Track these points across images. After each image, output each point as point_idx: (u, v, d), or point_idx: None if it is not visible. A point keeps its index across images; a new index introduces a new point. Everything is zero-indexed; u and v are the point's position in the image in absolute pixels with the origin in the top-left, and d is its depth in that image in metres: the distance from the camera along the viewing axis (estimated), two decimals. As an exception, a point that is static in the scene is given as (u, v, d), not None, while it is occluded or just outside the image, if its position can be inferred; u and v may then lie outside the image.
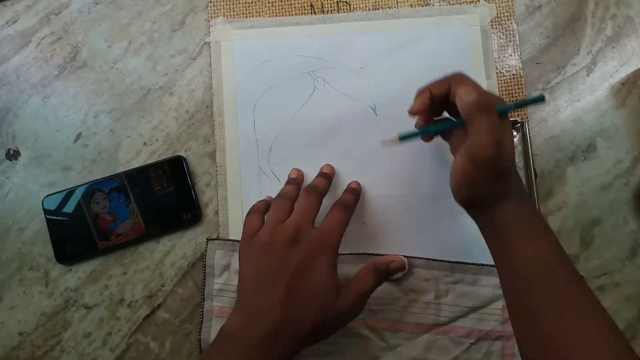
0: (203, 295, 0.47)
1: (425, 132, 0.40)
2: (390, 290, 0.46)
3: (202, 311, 0.47)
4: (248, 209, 0.47)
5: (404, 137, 0.40)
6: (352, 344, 0.46)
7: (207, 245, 0.47)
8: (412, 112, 0.39)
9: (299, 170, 0.47)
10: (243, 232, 0.41)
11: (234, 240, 0.47)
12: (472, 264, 0.46)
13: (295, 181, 0.46)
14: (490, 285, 0.46)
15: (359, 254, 0.47)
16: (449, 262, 0.46)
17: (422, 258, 0.47)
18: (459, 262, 0.46)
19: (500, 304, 0.46)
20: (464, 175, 0.37)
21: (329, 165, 0.48)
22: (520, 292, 0.36)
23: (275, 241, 0.38)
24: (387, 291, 0.46)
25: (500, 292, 0.46)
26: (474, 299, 0.46)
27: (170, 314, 0.48)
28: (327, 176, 0.46)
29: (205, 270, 0.47)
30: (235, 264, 0.47)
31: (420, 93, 0.39)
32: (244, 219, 0.47)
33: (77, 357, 0.47)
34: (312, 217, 0.40)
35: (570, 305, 0.34)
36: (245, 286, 0.39)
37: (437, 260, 0.47)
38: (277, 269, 0.38)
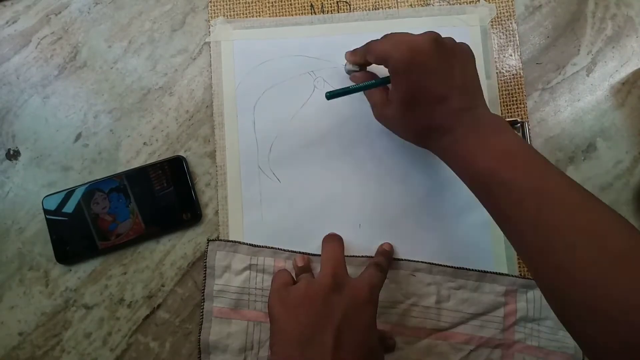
0: (203, 295, 0.47)
1: (355, 89, 0.43)
2: (392, 294, 0.46)
3: (202, 312, 0.47)
4: (248, 209, 0.47)
5: (331, 95, 0.43)
6: None
7: (207, 246, 0.47)
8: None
9: (305, 259, 0.46)
10: (273, 283, 0.41)
11: (234, 242, 0.47)
12: (475, 270, 0.46)
13: (303, 269, 0.45)
14: (492, 292, 0.46)
15: (360, 256, 0.47)
16: (451, 267, 0.46)
17: (425, 262, 0.47)
18: (462, 268, 0.46)
19: (502, 311, 0.46)
20: (403, 116, 0.40)
21: (389, 244, 0.47)
22: (482, 193, 0.36)
23: (315, 291, 0.37)
24: (388, 294, 0.46)
25: (502, 299, 0.46)
26: (475, 305, 0.46)
27: (170, 314, 0.48)
28: (388, 254, 0.46)
29: (205, 270, 0.47)
30: (235, 265, 0.47)
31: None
32: (243, 219, 0.48)
33: (77, 357, 0.47)
34: (344, 263, 0.40)
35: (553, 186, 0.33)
36: (287, 340, 0.36)
37: (439, 265, 0.46)
38: (323, 317, 0.36)
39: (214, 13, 0.51)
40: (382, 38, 0.40)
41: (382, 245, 0.47)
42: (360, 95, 0.49)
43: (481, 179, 0.36)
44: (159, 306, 0.48)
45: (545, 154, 0.49)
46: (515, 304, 0.46)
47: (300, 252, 0.47)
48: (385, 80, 0.42)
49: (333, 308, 0.36)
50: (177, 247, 0.48)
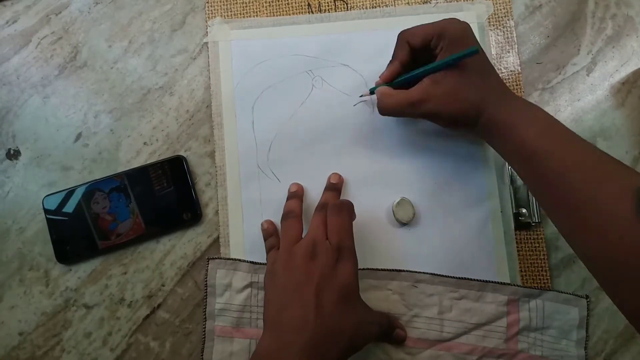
0: (205, 314, 0.46)
1: (414, 75, 0.42)
2: (395, 305, 0.46)
3: (204, 331, 0.46)
4: (248, 209, 0.47)
5: (396, 83, 0.43)
6: (355, 359, 0.46)
7: (208, 264, 0.47)
8: (382, 79, 0.44)
9: (298, 185, 0.48)
10: (267, 266, 0.43)
11: (234, 259, 0.47)
12: (477, 280, 0.46)
13: (296, 194, 0.46)
14: (494, 302, 0.46)
15: (362, 269, 0.46)
16: (453, 277, 0.46)
17: (427, 273, 0.46)
18: (464, 278, 0.46)
19: (505, 321, 0.46)
20: (457, 92, 0.40)
21: (337, 174, 0.48)
22: (534, 165, 0.38)
23: (295, 259, 0.39)
24: (391, 306, 0.46)
25: (504, 309, 0.46)
26: (478, 315, 0.46)
27: (170, 313, 0.48)
28: (336, 187, 0.47)
29: (207, 290, 0.47)
30: (236, 283, 0.46)
31: (390, 65, 0.44)
32: (244, 219, 0.48)
33: (77, 357, 0.47)
34: (325, 232, 0.41)
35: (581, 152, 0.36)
36: (271, 308, 0.39)
37: (441, 275, 0.46)
38: (301, 283, 0.38)
39: (211, 13, 0.51)
40: (419, 25, 0.42)
41: (329, 177, 0.47)
42: (356, 95, 0.49)
43: (526, 149, 0.38)
44: (159, 306, 0.48)
45: (545, 153, 0.49)
46: (518, 313, 0.46)
47: None
48: (446, 62, 0.40)
49: (310, 273, 0.38)
50: (177, 247, 0.48)
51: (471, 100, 0.40)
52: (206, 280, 0.47)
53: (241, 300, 0.46)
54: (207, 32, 0.51)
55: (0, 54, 0.51)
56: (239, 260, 0.47)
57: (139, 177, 0.48)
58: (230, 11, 0.51)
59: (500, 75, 0.49)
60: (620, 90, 0.50)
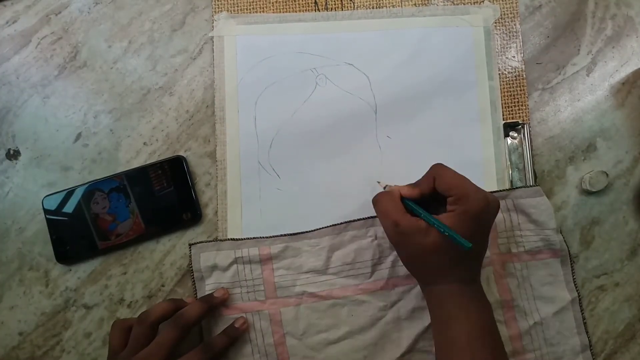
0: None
1: (428, 219, 0.40)
2: (377, 249, 0.47)
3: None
4: (247, 204, 0.47)
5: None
6: (352, 312, 0.46)
7: (190, 250, 0.47)
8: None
9: (225, 291, 0.46)
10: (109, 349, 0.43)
11: (216, 240, 0.47)
12: None
13: (170, 305, 0.44)
14: None
15: (341, 223, 0.47)
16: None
17: None
18: None
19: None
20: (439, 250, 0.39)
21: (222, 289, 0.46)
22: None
23: None
24: (374, 251, 0.47)
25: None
26: None
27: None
28: (211, 303, 0.45)
29: (193, 275, 0.47)
30: (221, 262, 0.46)
31: (412, 187, 0.42)
32: (242, 214, 0.48)
33: (77, 357, 0.47)
34: (165, 354, 0.40)
35: None
36: None
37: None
38: None
39: (218, 8, 0.51)
40: (452, 173, 0.40)
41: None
42: (360, 94, 0.49)
43: (448, 340, 0.39)
44: (159, 306, 0.48)
45: (545, 153, 0.49)
46: None
47: (280, 235, 0.47)
48: (443, 231, 0.38)
49: None
50: (177, 247, 0.48)
51: (432, 272, 0.41)
52: (191, 267, 0.47)
53: (229, 278, 0.46)
54: (212, 26, 0.51)
55: (0, 54, 0.51)
56: (220, 240, 0.47)
57: (139, 177, 0.48)
58: (237, 6, 0.51)
59: (504, 78, 0.49)
60: (620, 91, 0.50)
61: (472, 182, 0.40)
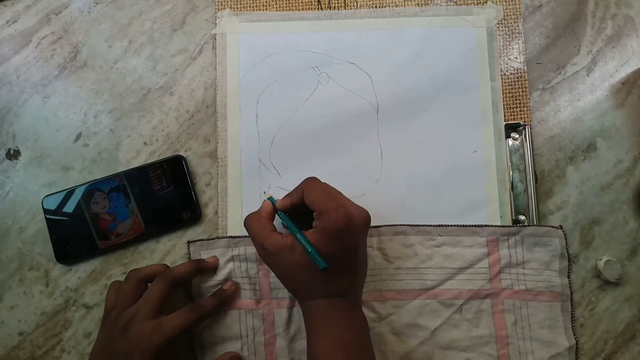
0: (192, 297, 0.47)
1: (288, 223, 0.41)
2: (375, 260, 0.47)
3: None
4: (247, 202, 0.48)
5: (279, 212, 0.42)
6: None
7: (188, 248, 0.47)
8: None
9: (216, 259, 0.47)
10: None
11: (212, 238, 0.47)
12: (454, 225, 0.47)
13: (164, 271, 0.44)
14: (474, 245, 0.47)
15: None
16: (430, 225, 0.47)
17: (404, 225, 0.47)
18: (441, 225, 0.47)
19: (486, 262, 0.47)
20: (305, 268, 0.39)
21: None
22: None
23: (114, 326, 0.41)
24: (372, 261, 0.47)
25: (484, 250, 0.47)
26: (459, 260, 0.47)
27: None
28: (201, 267, 0.46)
29: None
30: (221, 258, 0.47)
31: (285, 197, 0.43)
32: (242, 211, 0.48)
33: (77, 357, 0.47)
34: (151, 308, 0.41)
35: None
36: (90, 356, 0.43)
37: (418, 225, 0.47)
38: (105, 352, 0.41)
39: (221, 5, 0.51)
40: (319, 188, 0.41)
41: (225, 284, 0.46)
42: (362, 93, 0.49)
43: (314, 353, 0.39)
44: (159, 306, 0.48)
45: (545, 153, 0.49)
46: (498, 252, 0.47)
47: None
48: (324, 266, 0.38)
49: (114, 346, 0.41)
50: (177, 247, 0.48)
51: (302, 288, 0.41)
52: None
53: (224, 275, 0.47)
54: (215, 23, 0.51)
55: (0, 54, 0.51)
56: (218, 237, 0.47)
57: (138, 177, 0.48)
58: (240, 4, 0.51)
59: (506, 79, 0.49)
60: (620, 90, 0.50)
61: (343, 197, 0.40)
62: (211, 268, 0.46)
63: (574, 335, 0.46)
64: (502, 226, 0.47)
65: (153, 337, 0.40)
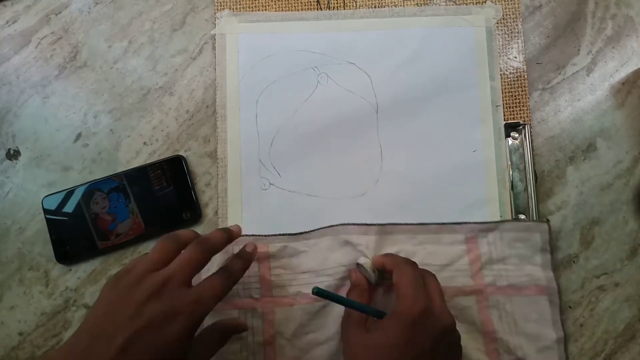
0: None
1: (341, 302, 0.41)
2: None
3: None
4: (247, 202, 0.48)
5: (318, 293, 0.38)
6: (333, 325, 0.45)
7: None
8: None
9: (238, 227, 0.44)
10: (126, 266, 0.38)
11: None
12: (434, 223, 0.47)
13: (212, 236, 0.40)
14: (454, 242, 0.47)
15: (328, 227, 0.47)
16: (411, 224, 0.47)
17: (386, 224, 0.46)
18: (421, 224, 0.47)
19: (466, 259, 0.46)
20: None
21: (253, 244, 0.44)
22: None
23: (139, 289, 0.34)
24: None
25: (463, 247, 0.47)
26: (440, 257, 0.46)
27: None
28: (230, 235, 0.42)
29: None
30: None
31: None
32: (242, 212, 0.48)
33: (77, 357, 0.47)
34: (188, 274, 0.36)
35: None
36: (86, 321, 0.35)
37: (400, 224, 0.47)
38: (126, 317, 0.33)
39: (220, 6, 0.51)
40: (415, 268, 0.41)
41: (245, 245, 0.43)
42: (362, 93, 0.49)
43: None
44: (158, 306, 0.48)
45: (545, 154, 0.49)
46: (478, 249, 0.47)
47: (279, 235, 0.47)
48: (379, 314, 0.39)
49: (141, 313, 0.34)
50: (177, 247, 0.48)
51: None
52: None
53: None
54: (214, 24, 0.51)
55: (0, 54, 0.51)
56: None
57: (138, 177, 0.48)
58: (239, 4, 0.51)
59: (506, 79, 0.49)
60: (620, 91, 0.50)
61: (435, 292, 0.39)
62: (237, 236, 0.43)
63: (562, 327, 0.46)
64: (481, 223, 0.47)
65: (196, 308, 0.35)
